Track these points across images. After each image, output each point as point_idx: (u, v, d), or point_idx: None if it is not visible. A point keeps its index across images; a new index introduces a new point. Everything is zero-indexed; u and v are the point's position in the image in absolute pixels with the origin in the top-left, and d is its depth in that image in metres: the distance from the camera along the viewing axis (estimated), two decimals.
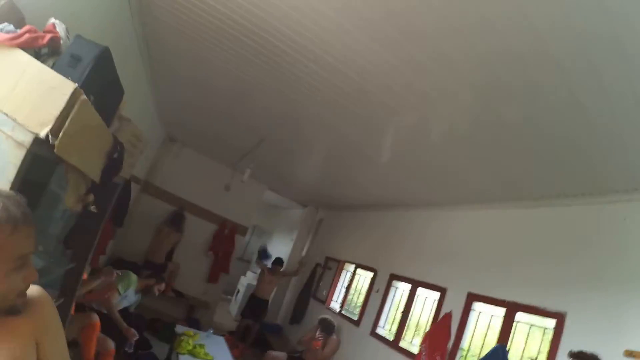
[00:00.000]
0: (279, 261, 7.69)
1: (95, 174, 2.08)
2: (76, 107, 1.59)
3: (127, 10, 3.03)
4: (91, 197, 2.18)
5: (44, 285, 1.22)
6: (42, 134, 1.50)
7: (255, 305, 7.39)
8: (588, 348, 2.90)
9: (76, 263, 2.93)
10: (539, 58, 2.00)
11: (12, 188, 1.44)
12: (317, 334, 5.83)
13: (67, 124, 1.57)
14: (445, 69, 2.40)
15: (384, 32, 2.27)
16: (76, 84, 1.60)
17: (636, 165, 2.69)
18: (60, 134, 1.54)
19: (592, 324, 2.99)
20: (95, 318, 3.66)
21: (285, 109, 3.98)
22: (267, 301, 7.59)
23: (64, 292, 2.93)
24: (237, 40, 2.99)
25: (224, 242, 8.28)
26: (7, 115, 1.49)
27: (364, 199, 6.61)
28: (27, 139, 1.49)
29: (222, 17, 2.75)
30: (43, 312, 1.14)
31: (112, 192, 2.94)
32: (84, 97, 1.63)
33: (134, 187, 6.28)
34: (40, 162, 1.63)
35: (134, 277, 4.49)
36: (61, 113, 1.54)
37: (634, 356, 2.62)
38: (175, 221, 7.35)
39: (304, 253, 8.89)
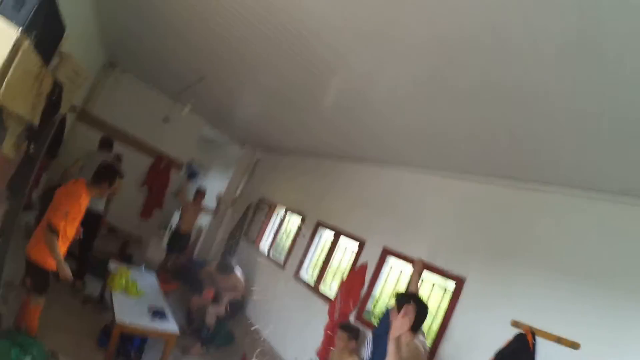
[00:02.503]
0: (202, 192, 7.70)
1: (35, 118, 2.03)
2: (19, 54, 1.56)
3: None
4: (26, 144, 2.14)
5: None
6: None
7: (179, 239, 7.49)
8: (481, 312, 3.32)
9: (14, 202, 2.87)
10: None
11: None
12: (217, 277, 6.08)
13: (10, 72, 1.53)
14: (398, 12, 2.20)
15: None
16: (19, 30, 1.55)
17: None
18: (4, 84, 1.51)
19: (487, 291, 3.39)
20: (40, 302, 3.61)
21: (227, 46, 3.88)
22: (190, 234, 7.71)
23: (3, 231, 2.87)
24: None
25: (159, 176, 8.17)
26: None
27: (301, 144, 6.66)
28: None
29: None
30: None
31: (48, 130, 2.84)
32: (27, 43, 1.58)
33: (69, 116, 5.94)
34: None
35: None
36: (5, 62, 1.50)
37: (518, 326, 3.03)
38: (104, 144, 6.92)
39: (238, 192, 8.93)
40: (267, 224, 7.28)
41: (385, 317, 3.72)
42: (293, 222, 6.69)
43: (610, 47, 1.66)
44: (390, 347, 2.56)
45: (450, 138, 3.48)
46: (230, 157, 10.08)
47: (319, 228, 5.79)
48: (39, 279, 3.59)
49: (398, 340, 2.56)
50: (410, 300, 2.86)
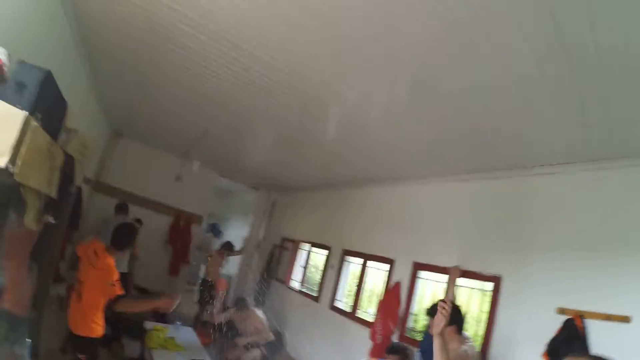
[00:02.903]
0: (228, 245, 7.76)
1: (52, 190, 2.15)
2: (28, 134, 1.66)
3: (61, 12, 2.99)
4: (48, 215, 2.25)
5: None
6: (2, 164, 1.57)
7: (209, 290, 7.50)
8: (523, 306, 3.27)
9: (43, 275, 2.96)
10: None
11: None
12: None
13: (22, 151, 1.64)
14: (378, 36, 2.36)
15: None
16: (26, 113, 1.66)
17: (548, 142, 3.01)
18: (19, 162, 1.62)
19: (526, 284, 3.34)
20: None
21: (223, 100, 4.05)
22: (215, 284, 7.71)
23: (35, 305, 2.95)
24: (164, 37, 3.03)
25: (181, 233, 8.28)
26: None
27: (313, 178, 6.76)
28: None
29: (146, 13, 2.77)
30: None
31: (67, 201, 2.96)
32: (34, 123, 1.70)
33: (85, 188, 6.14)
34: (1, 189, 1.71)
35: None
36: (16, 142, 1.61)
37: (565, 313, 2.97)
38: (120, 210, 7.09)
39: (260, 235, 9.01)
40: (294, 262, 7.29)
41: (427, 332, 3.68)
42: (319, 255, 6.69)
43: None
44: (436, 344, 2.54)
45: (449, 139, 3.54)
46: (246, 202, 10.22)
47: (346, 257, 5.80)
48: (90, 350, 3.67)
49: (442, 335, 2.54)
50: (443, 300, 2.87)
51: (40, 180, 2.00)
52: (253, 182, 9.18)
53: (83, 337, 3.59)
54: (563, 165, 3.24)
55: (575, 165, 3.17)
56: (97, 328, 3.60)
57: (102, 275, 3.51)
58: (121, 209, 6.69)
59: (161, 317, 6.89)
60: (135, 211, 7.13)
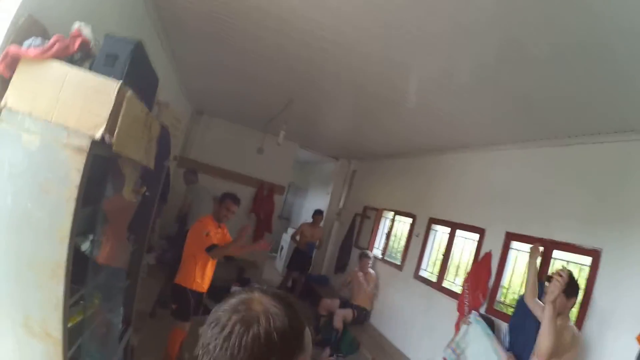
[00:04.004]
0: (319, 212, 7.93)
1: (150, 162, 2.23)
2: (124, 103, 1.70)
3: None
4: (144, 188, 2.34)
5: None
6: (98, 135, 1.62)
7: (299, 257, 7.79)
8: (624, 283, 2.97)
9: (138, 245, 3.18)
10: None
11: (79, 192, 1.59)
12: (356, 269, 6.31)
13: (119, 121, 1.68)
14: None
15: None
16: (119, 82, 1.69)
17: None
18: (116, 132, 1.66)
19: (628, 260, 3.01)
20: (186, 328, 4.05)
21: (307, 69, 4.01)
22: (307, 252, 8.01)
23: (131, 274, 3.19)
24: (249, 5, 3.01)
25: (264, 203, 8.60)
26: (58, 125, 1.62)
27: (395, 146, 6.64)
28: (85, 143, 1.61)
29: None
30: None
31: (161, 174, 3.12)
32: (129, 92, 1.74)
33: (171, 163, 6.49)
34: (99, 162, 1.76)
35: None
36: (112, 112, 1.65)
37: None
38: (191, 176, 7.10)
39: (341, 204, 9.08)
40: (376, 230, 7.28)
41: (520, 305, 3.51)
42: (403, 223, 6.60)
43: None
44: (546, 313, 2.41)
45: (538, 101, 3.24)
46: (326, 173, 10.33)
47: (432, 225, 5.66)
48: (183, 302, 3.98)
49: (554, 303, 2.40)
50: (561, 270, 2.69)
51: (138, 151, 2.06)
52: (333, 152, 9.22)
53: (179, 287, 3.96)
54: None
55: None
56: (192, 280, 3.98)
57: (190, 235, 4.04)
58: (192, 175, 6.90)
59: (246, 282, 7.26)
60: (219, 184, 7.51)
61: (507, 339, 3.68)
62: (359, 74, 3.73)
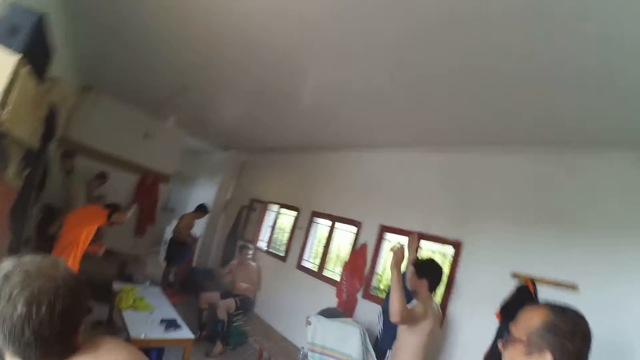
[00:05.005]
0: (202, 208, 7.75)
1: (35, 142, 2.05)
2: (19, 79, 1.57)
3: None
4: (27, 170, 2.16)
5: None
6: None
7: (177, 250, 7.54)
8: (481, 270, 3.54)
9: (16, 234, 2.89)
10: None
11: None
12: (239, 262, 6.41)
13: (13, 98, 1.56)
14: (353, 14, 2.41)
15: None
16: (19, 56, 1.58)
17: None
18: (8, 109, 1.54)
19: (484, 251, 3.62)
20: None
21: (203, 55, 3.93)
22: (187, 244, 7.74)
23: None
24: None
25: (148, 193, 8.10)
26: None
27: (284, 141, 6.74)
28: None
29: None
30: None
31: (42, 156, 2.86)
32: (25, 68, 1.60)
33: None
34: None
35: None
36: (6, 87, 1.52)
37: (518, 277, 3.24)
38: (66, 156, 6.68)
39: (228, 196, 9.01)
40: (262, 223, 7.38)
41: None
42: (287, 216, 6.80)
43: None
44: (392, 276, 2.65)
45: (426, 112, 3.65)
46: (215, 163, 10.11)
47: (314, 218, 5.92)
48: None
49: (395, 268, 2.65)
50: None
51: (26, 131, 1.91)
52: (223, 142, 9.03)
53: None
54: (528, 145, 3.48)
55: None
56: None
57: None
58: (67, 155, 6.50)
59: (128, 278, 6.88)
60: (98, 169, 7.00)
61: (382, 318, 4.02)
62: (257, 63, 3.72)
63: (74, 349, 0.99)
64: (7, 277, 0.89)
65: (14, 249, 3.01)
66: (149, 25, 3.64)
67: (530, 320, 1.19)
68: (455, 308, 3.68)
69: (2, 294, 0.88)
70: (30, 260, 0.94)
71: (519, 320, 1.24)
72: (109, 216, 3.75)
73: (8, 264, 0.92)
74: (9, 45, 1.62)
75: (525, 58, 2.32)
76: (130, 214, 4.11)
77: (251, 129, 6.76)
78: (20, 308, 0.86)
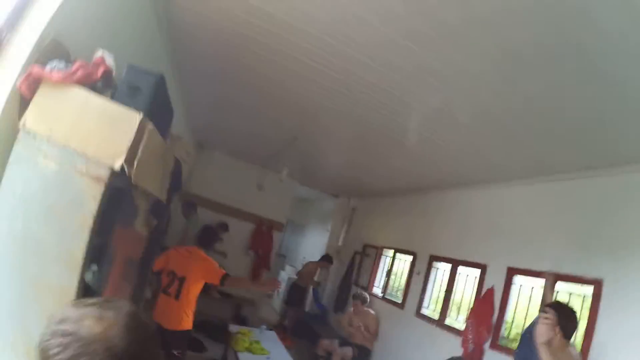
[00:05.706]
0: (327, 258, 7.96)
1: (163, 194, 2.21)
2: (145, 136, 1.71)
3: (154, 21, 3.08)
4: (155, 221, 2.32)
5: None
6: (117, 165, 1.60)
7: (297, 293, 7.71)
8: (626, 312, 2.98)
9: (141, 279, 3.11)
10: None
11: (94, 221, 1.57)
12: (354, 310, 6.22)
13: (139, 153, 1.67)
14: (451, 40, 2.38)
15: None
16: (141, 115, 1.70)
17: None
18: (135, 163, 1.66)
19: (630, 288, 3.04)
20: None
21: (311, 105, 4.10)
22: (306, 288, 7.99)
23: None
24: (259, 43, 3.08)
25: (263, 240, 8.51)
26: (76, 151, 1.60)
27: (395, 183, 6.68)
28: (104, 172, 1.60)
29: (243, 19, 2.81)
30: None
31: (168, 207, 3.09)
32: (150, 126, 1.75)
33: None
34: (115, 192, 1.73)
35: None
36: (132, 143, 1.64)
37: None
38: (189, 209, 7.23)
39: (340, 242, 9.04)
40: (376, 268, 7.22)
41: (524, 338, 3.46)
42: (403, 261, 6.57)
43: None
44: (542, 354, 2.38)
45: (547, 143, 3.38)
46: (325, 210, 10.31)
47: (433, 262, 5.64)
48: (184, 344, 3.86)
49: (548, 344, 2.37)
50: (547, 307, 2.68)
51: (154, 184, 2.06)
52: (332, 189, 9.26)
53: (177, 332, 3.78)
54: None
55: None
56: (189, 321, 3.80)
57: (204, 265, 3.80)
58: (191, 208, 6.93)
59: (243, 320, 7.10)
60: (217, 219, 7.50)
61: None
62: (361, 108, 3.79)
63: None
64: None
65: (139, 291, 3.20)
66: (254, 85, 3.94)
67: None
68: (598, 357, 3.09)
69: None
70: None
71: None
72: (222, 281, 3.83)
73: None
74: (131, 104, 1.74)
75: None
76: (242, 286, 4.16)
77: (359, 174, 6.86)
78: None
